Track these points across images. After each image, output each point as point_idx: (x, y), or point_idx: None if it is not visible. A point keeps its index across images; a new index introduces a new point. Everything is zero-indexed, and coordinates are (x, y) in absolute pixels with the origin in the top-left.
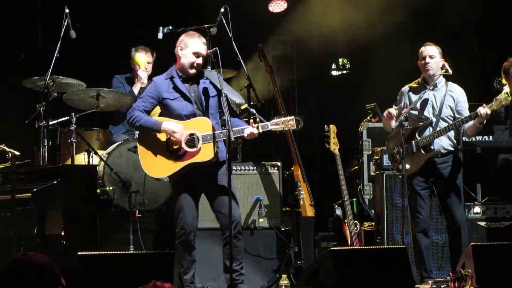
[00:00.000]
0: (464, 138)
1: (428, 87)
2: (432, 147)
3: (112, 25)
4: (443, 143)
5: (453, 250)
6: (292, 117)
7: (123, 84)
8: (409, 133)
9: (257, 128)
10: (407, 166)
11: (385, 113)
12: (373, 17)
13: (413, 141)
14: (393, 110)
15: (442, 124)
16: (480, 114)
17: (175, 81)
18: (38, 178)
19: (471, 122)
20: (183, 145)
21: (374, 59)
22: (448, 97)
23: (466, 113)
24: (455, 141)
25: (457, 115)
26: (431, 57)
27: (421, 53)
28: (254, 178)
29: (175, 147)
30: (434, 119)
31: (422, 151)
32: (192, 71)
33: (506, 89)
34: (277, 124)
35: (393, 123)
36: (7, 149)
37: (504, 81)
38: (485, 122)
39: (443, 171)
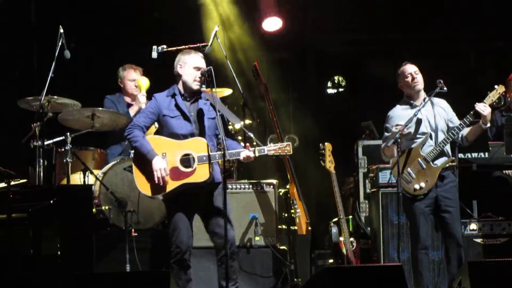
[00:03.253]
0: (460, 155)
1: (415, 104)
2: (440, 158)
3: (105, 45)
4: (448, 153)
5: (452, 267)
6: (289, 142)
7: (115, 104)
8: (413, 153)
9: (254, 152)
10: (423, 184)
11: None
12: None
13: (419, 159)
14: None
15: (440, 136)
16: (481, 111)
17: (176, 99)
18: (33, 198)
19: (468, 128)
20: (178, 165)
21: (369, 76)
22: (438, 109)
23: (456, 120)
24: (451, 157)
25: (450, 124)
26: (415, 72)
27: (403, 72)
28: (249, 196)
29: (171, 166)
30: (432, 133)
31: (432, 164)
32: (196, 86)
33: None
34: (273, 149)
35: (390, 141)
36: (2, 169)
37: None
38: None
39: (447, 186)
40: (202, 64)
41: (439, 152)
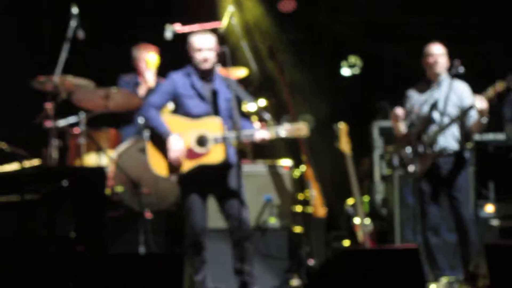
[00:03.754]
0: (476, 137)
1: (432, 86)
2: (436, 145)
3: (120, 24)
4: (448, 143)
5: (462, 249)
6: (305, 124)
7: (129, 84)
8: (416, 134)
9: (269, 133)
10: (413, 167)
11: (392, 115)
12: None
13: (419, 142)
14: (399, 111)
15: (445, 120)
16: (476, 107)
17: (192, 78)
18: (47, 180)
19: (474, 118)
20: (193, 146)
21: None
22: (451, 95)
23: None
24: (460, 141)
25: (464, 111)
26: (440, 56)
27: (427, 51)
28: (264, 178)
29: (185, 147)
30: (438, 118)
31: (428, 151)
32: (204, 65)
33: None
34: (289, 130)
35: (402, 126)
36: (16, 150)
37: None
38: (487, 116)
39: (448, 171)
40: (206, 44)
41: (437, 137)
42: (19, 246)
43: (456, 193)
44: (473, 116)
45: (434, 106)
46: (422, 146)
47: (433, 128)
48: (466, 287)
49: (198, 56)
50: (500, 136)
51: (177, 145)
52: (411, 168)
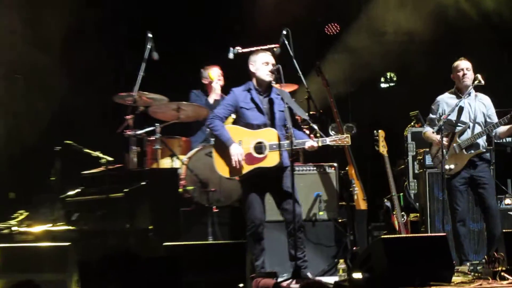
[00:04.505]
0: (495, 140)
1: (462, 96)
2: (472, 147)
3: (188, 46)
4: (479, 145)
5: (488, 235)
6: (348, 134)
7: (200, 98)
8: (450, 137)
9: (317, 142)
10: (452, 166)
11: (436, 140)
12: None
13: (454, 144)
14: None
15: (477, 128)
16: None
17: (252, 93)
18: (128, 180)
19: (504, 127)
20: (252, 152)
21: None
22: (480, 105)
23: (495, 117)
24: (486, 144)
25: (488, 120)
26: (467, 69)
27: (457, 67)
28: (314, 177)
29: (245, 153)
30: (471, 124)
31: (464, 152)
32: (268, 78)
33: None
34: (334, 140)
35: (430, 129)
36: (102, 156)
37: None
38: None
39: (479, 168)
40: (270, 59)
41: (473, 143)
42: (106, 236)
43: (484, 187)
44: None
45: (465, 113)
46: (457, 148)
47: (466, 133)
48: (488, 270)
49: (265, 69)
50: None
51: (237, 152)
52: (450, 167)
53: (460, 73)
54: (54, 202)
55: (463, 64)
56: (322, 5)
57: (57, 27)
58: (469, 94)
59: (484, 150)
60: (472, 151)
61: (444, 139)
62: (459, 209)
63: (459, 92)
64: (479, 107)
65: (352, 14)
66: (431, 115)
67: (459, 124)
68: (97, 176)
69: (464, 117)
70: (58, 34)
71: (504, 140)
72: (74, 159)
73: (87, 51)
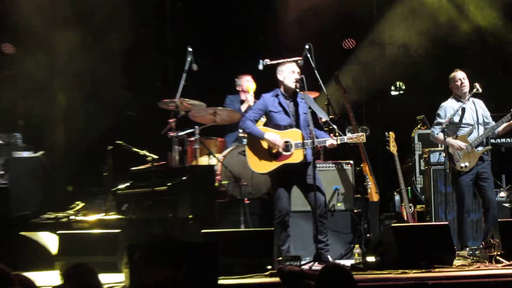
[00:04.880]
0: (492, 140)
1: (463, 101)
2: (481, 145)
3: (223, 57)
4: (483, 144)
5: (486, 224)
6: (363, 133)
7: (233, 102)
8: (461, 138)
9: (336, 140)
10: (467, 163)
11: (462, 146)
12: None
13: (466, 144)
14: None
15: (480, 128)
16: None
17: (279, 98)
18: (171, 175)
19: (503, 125)
20: (280, 150)
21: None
22: (479, 108)
23: (490, 118)
24: (485, 143)
25: (485, 120)
26: (464, 78)
27: (454, 77)
28: (333, 173)
29: (274, 151)
30: (476, 125)
31: (476, 150)
32: (294, 85)
33: None
34: (351, 138)
35: (437, 130)
36: (148, 154)
37: None
38: None
39: (484, 164)
40: (295, 69)
41: (483, 140)
42: (152, 224)
43: (486, 182)
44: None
45: (469, 116)
46: (470, 147)
47: (474, 133)
48: (485, 254)
49: (292, 78)
50: (508, 140)
51: (274, 136)
52: (465, 164)
53: (458, 83)
54: (107, 195)
55: (460, 75)
56: (341, 23)
57: (116, 42)
58: (468, 100)
59: (491, 147)
60: (481, 148)
61: (460, 143)
62: (467, 203)
63: (459, 98)
64: (479, 110)
65: (366, 31)
66: (439, 120)
67: (463, 125)
68: (144, 172)
69: (469, 119)
70: (117, 48)
71: (498, 140)
72: (124, 157)
73: (138, 63)
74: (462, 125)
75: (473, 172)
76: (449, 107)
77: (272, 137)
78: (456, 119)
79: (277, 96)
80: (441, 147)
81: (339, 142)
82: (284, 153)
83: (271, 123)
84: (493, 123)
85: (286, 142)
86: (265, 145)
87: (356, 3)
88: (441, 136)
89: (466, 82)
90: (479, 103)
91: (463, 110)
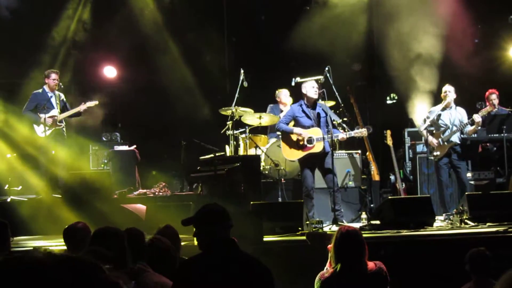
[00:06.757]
0: (464, 136)
1: (447, 108)
2: (451, 140)
3: (266, 77)
4: (456, 139)
5: (460, 196)
6: (365, 128)
7: (273, 110)
8: (436, 134)
9: (346, 135)
10: (438, 153)
11: (434, 142)
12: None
13: (439, 139)
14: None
15: (454, 129)
16: (477, 121)
17: (303, 107)
18: (228, 163)
19: (470, 128)
20: (305, 142)
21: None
22: (458, 114)
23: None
24: (461, 138)
25: (462, 124)
26: (449, 91)
27: (444, 89)
28: (345, 160)
29: (301, 143)
30: (450, 126)
31: (446, 143)
32: (315, 96)
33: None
34: (356, 133)
35: (432, 139)
36: (212, 147)
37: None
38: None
39: (456, 153)
40: (315, 85)
41: (451, 137)
42: (214, 199)
43: (459, 166)
44: (469, 127)
45: (448, 119)
46: (441, 141)
47: (447, 132)
48: (457, 218)
49: (312, 91)
50: (473, 136)
51: (300, 130)
52: (437, 153)
53: (445, 93)
54: (182, 177)
55: (446, 88)
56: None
57: (193, 67)
58: (451, 107)
59: (459, 143)
60: (449, 143)
61: (434, 140)
62: (444, 180)
63: (447, 105)
64: (457, 115)
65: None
66: (426, 118)
67: (442, 125)
68: (209, 160)
69: (447, 121)
70: (193, 70)
71: (464, 137)
72: (195, 149)
73: (207, 81)
74: (441, 125)
75: (447, 158)
76: (435, 111)
77: (298, 131)
78: (438, 120)
79: (301, 105)
80: (423, 140)
81: (348, 136)
82: (308, 145)
83: (298, 125)
84: (469, 126)
85: (310, 137)
86: (295, 139)
87: None
88: (424, 133)
89: (451, 95)
90: (460, 110)
91: (441, 114)
